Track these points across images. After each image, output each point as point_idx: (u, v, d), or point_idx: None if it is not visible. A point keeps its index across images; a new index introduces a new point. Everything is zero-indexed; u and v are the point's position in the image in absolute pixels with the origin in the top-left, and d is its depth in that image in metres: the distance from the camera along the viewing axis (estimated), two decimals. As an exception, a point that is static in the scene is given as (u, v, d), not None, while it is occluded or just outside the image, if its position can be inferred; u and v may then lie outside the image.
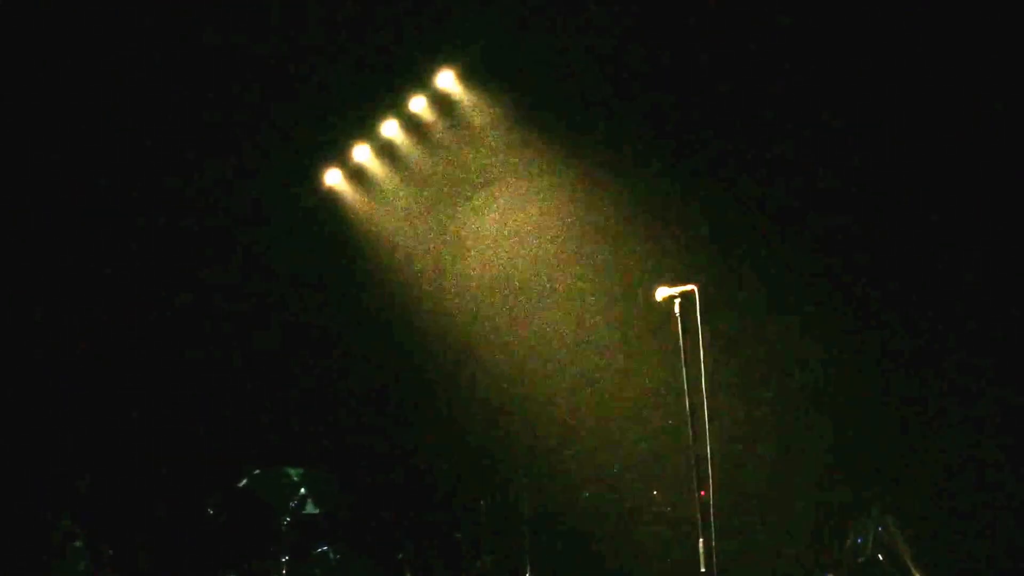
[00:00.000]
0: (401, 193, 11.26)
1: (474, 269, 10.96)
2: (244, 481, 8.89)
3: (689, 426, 6.80)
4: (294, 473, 8.87)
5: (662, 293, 7.08)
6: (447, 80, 10.53)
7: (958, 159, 8.36)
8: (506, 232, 10.83)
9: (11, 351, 10.21)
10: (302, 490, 8.79)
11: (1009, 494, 8.00)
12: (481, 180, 10.94)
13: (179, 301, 10.87)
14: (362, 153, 11.29)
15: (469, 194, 11.04)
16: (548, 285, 10.58)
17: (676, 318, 6.98)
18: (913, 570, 7.84)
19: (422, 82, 10.64)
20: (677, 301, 7.00)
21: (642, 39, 9.60)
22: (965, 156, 8.32)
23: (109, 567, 8.93)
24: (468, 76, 10.51)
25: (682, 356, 6.91)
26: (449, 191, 11.13)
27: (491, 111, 10.53)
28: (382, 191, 11.32)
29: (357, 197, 11.42)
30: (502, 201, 10.78)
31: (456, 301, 11.00)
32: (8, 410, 10.03)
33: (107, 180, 10.32)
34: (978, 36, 8.15)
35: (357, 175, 11.43)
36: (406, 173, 11.18)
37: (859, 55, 8.70)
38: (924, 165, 8.54)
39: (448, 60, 10.44)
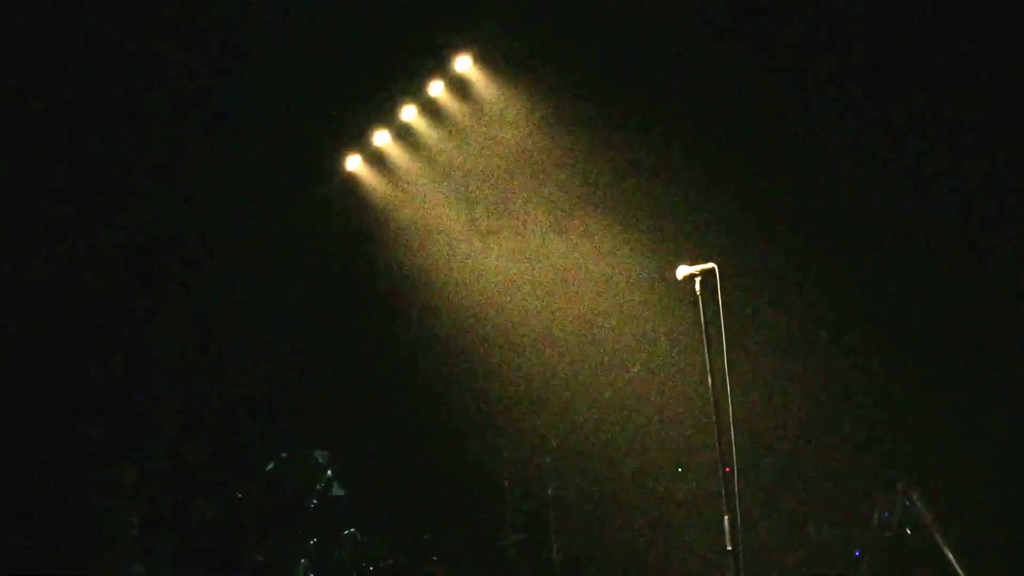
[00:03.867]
0: (420, 179, 11.28)
1: (493, 253, 10.98)
2: (271, 465, 8.99)
3: (712, 401, 6.80)
4: (320, 456, 8.96)
5: (682, 272, 7.06)
6: (464, 64, 10.53)
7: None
8: (525, 218, 10.83)
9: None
10: (328, 472, 8.90)
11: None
12: (500, 165, 10.92)
13: (197, 288, 10.93)
14: (381, 138, 11.30)
15: (488, 179, 11.04)
16: (570, 267, 10.58)
17: (697, 296, 6.97)
18: (942, 544, 7.84)
19: (440, 66, 10.64)
20: (698, 280, 6.98)
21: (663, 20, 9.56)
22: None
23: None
24: (485, 60, 10.50)
25: (703, 333, 6.90)
26: (468, 176, 11.13)
27: (509, 96, 10.53)
28: (401, 177, 11.33)
29: (376, 182, 11.44)
30: (518, 183, 10.76)
31: (478, 285, 11.01)
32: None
33: (123, 165, 10.36)
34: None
35: (377, 160, 11.45)
36: (426, 159, 11.19)
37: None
38: (951, 141, 8.49)
39: (465, 44, 10.43)
